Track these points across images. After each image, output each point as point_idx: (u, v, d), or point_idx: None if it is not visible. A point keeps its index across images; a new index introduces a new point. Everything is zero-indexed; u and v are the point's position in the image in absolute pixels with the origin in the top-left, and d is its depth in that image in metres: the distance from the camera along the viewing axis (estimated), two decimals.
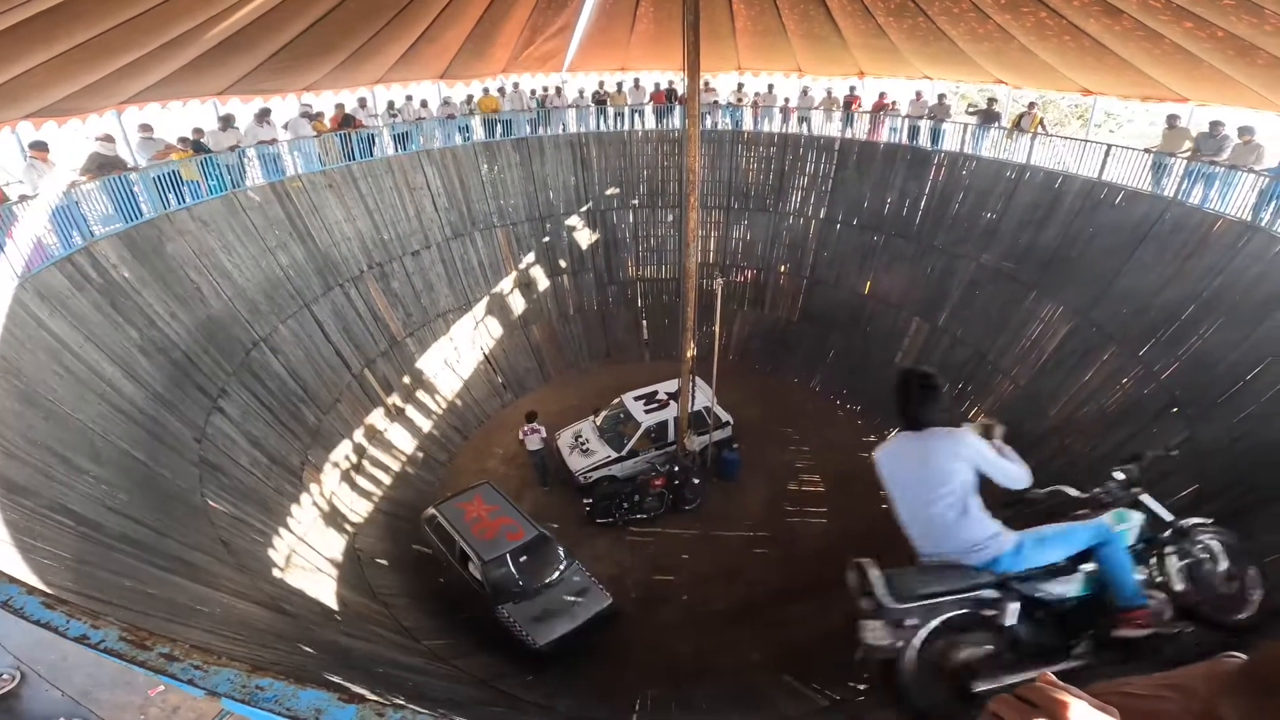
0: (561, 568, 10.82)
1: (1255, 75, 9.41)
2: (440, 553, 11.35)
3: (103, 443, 7.25)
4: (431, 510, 11.74)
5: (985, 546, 3.34)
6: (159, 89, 10.59)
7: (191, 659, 1.39)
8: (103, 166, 10.38)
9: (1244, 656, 0.99)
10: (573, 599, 10.44)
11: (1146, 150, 12.75)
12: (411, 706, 1.15)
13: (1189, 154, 11.91)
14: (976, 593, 3.40)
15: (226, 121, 13.05)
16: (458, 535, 10.91)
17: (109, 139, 10.91)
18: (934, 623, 3.37)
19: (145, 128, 12.06)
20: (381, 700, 1.20)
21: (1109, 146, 13.10)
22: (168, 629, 4.59)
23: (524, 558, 10.69)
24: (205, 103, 12.37)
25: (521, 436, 13.62)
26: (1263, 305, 9.65)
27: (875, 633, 3.40)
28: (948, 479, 3.29)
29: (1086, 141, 13.55)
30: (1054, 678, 0.96)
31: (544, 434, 13.58)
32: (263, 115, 13.56)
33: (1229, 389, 9.56)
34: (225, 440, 9.72)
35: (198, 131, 12.62)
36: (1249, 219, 10.53)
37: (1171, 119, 12.54)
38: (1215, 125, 11.90)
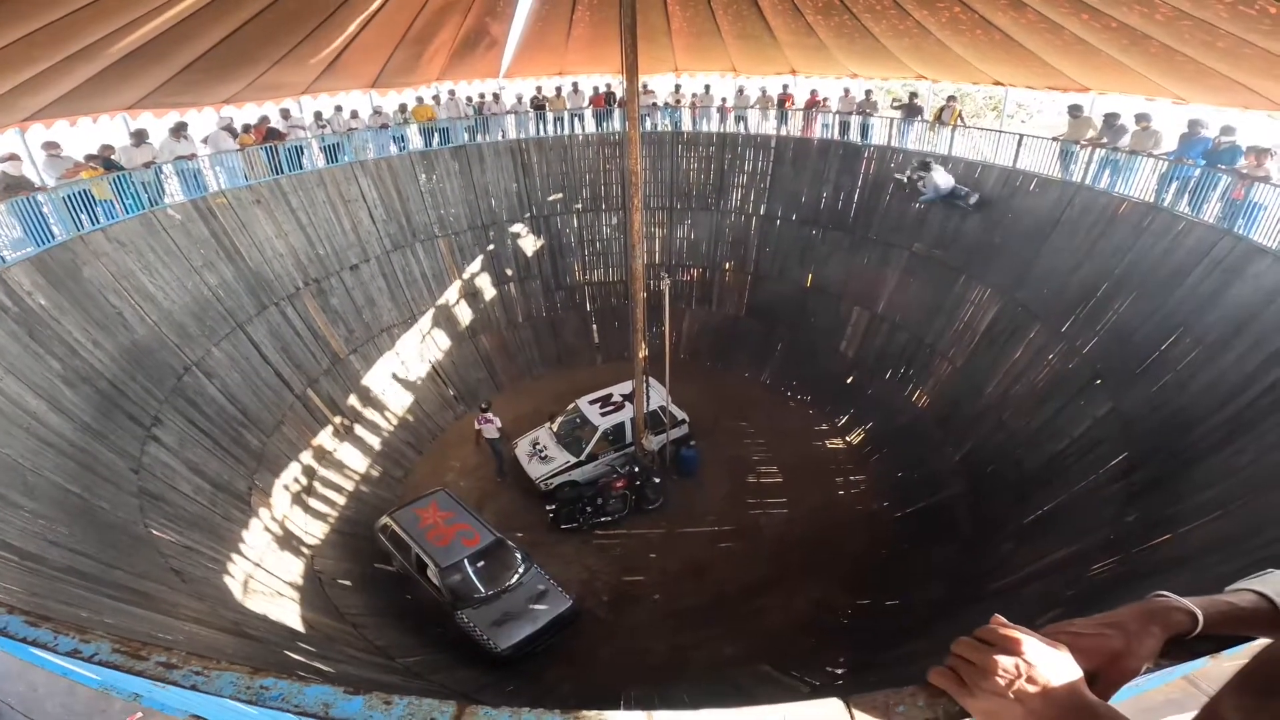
0: (520, 571, 10.75)
1: (1148, 63, 10.20)
2: (397, 561, 11.13)
3: (34, 477, 6.76)
4: (385, 519, 11.52)
5: None
6: (65, 104, 9.95)
7: (191, 665, 1.35)
8: (9, 188, 9.69)
9: (1169, 595, 1.11)
10: (532, 602, 10.37)
11: (1055, 139, 13.63)
12: (414, 696, 1.16)
13: (1092, 141, 12.77)
14: None
15: (139, 137, 12.34)
16: (413, 542, 10.78)
17: (14, 158, 10.16)
18: None
19: (51, 145, 11.27)
20: (386, 694, 1.21)
21: (1021, 136, 13.95)
22: None
23: (481, 562, 10.63)
24: (115, 118, 11.70)
25: (478, 426, 13.85)
26: (1170, 280, 10.46)
27: None
28: None
29: (1001, 132, 14.39)
30: (1004, 619, 1.06)
31: (498, 423, 13.79)
32: (179, 129, 12.89)
33: (1146, 360, 10.29)
34: (164, 469, 9.19)
35: (107, 148, 11.87)
36: (1151, 200, 11.41)
37: (1074, 109, 13.43)
38: (1110, 116, 12.81)
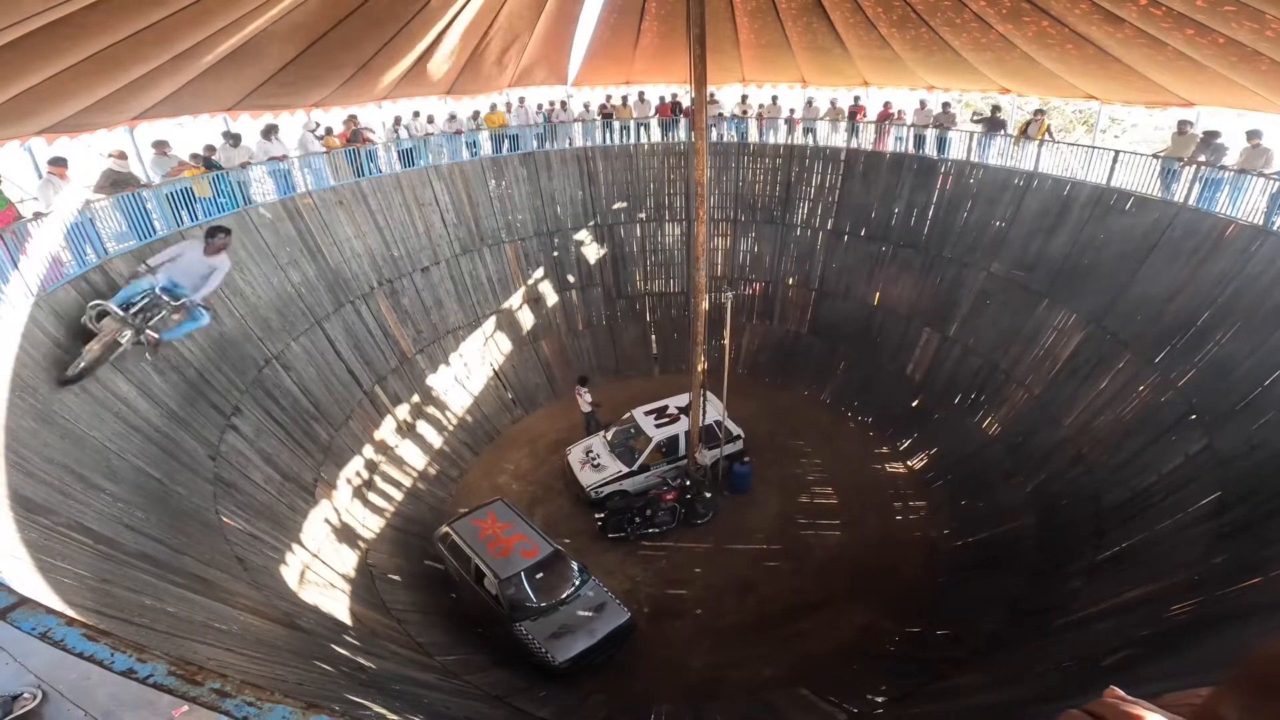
0: (577, 584, 10.73)
1: (1259, 79, 9.44)
2: (455, 570, 11.26)
3: (119, 461, 7.23)
4: (445, 528, 11.64)
5: None
6: (169, 104, 10.68)
7: (244, 694, 1.35)
8: (116, 184, 10.45)
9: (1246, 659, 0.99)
10: (590, 615, 10.34)
11: (1155, 155, 12.74)
12: None
13: (1191, 159, 11.86)
14: None
15: (236, 138, 13.16)
16: (473, 553, 10.81)
17: (122, 156, 10.99)
18: None
19: (161, 144, 12.13)
20: None
21: (1117, 153, 13.07)
22: (188, 648, 4.55)
23: (539, 575, 10.61)
24: (215, 118, 12.50)
25: (577, 396, 15.18)
26: (1278, 311, 9.58)
27: None
28: None
29: (1094, 148, 13.55)
30: (1121, 692, 0.95)
31: (589, 398, 15.05)
32: (270, 131, 13.66)
33: (1246, 396, 9.49)
34: (239, 457, 9.70)
35: (209, 148, 12.72)
36: (1260, 223, 10.49)
37: (1182, 124, 12.52)
38: (1210, 134, 11.89)
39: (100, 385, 7.85)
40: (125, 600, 4.91)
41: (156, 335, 7.99)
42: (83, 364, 7.30)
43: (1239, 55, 8.77)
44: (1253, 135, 11.20)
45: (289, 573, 8.56)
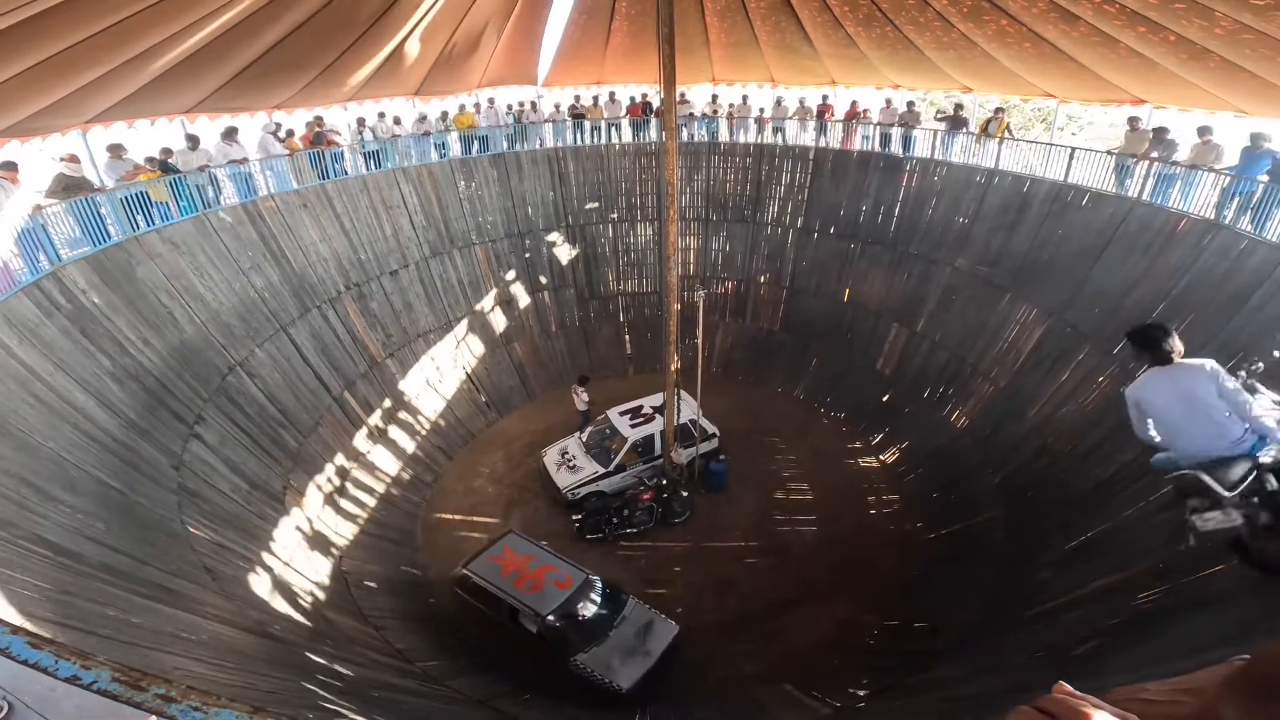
0: (619, 606, 10.47)
1: (1208, 77, 9.78)
2: (481, 611, 10.53)
3: (77, 472, 6.98)
4: (462, 570, 10.82)
5: (1244, 439, 4.46)
6: (124, 107, 10.38)
7: (190, 700, 1.31)
8: (68, 188, 10.09)
9: (1245, 659, 1.01)
10: (642, 635, 10.13)
11: (1109, 152, 13.11)
12: None
13: (1145, 156, 12.23)
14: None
15: (195, 141, 12.81)
16: (501, 592, 10.16)
17: (74, 159, 10.62)
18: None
19: (115, 148, 11.73)
20: None
21: (1073, 149, 13.43)
22: (155, 659, 4.40)
23: (580, 604, 10.21)
24: (173, 121, 12.16)
25: (574, 394, 15.35)
26: (1231, 302, 9.91)
27: (1216, 519, 4.67)
28: (1204, 394, 4.50)
29: (1052, 145, 13.89)
30: (1070, 688, 0.96)
31: (585, 398, 15.17)
32: (230, 134, 13.34)
33: None
34: (204, 467, 9.44)
35: (165, 151, 12.35)
36: (1212, 217, 10.85)
37: (1133, 121, 12.90)
38: (1160, 130, 12.27)
39: (56, 395, 7.58)
40: (88, 612, 4.75)
41: None
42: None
43: (1189, 53, 9.08)
44: (1203, 132, 11.56)
45: (260, 581, 8.35)
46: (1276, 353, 8.13)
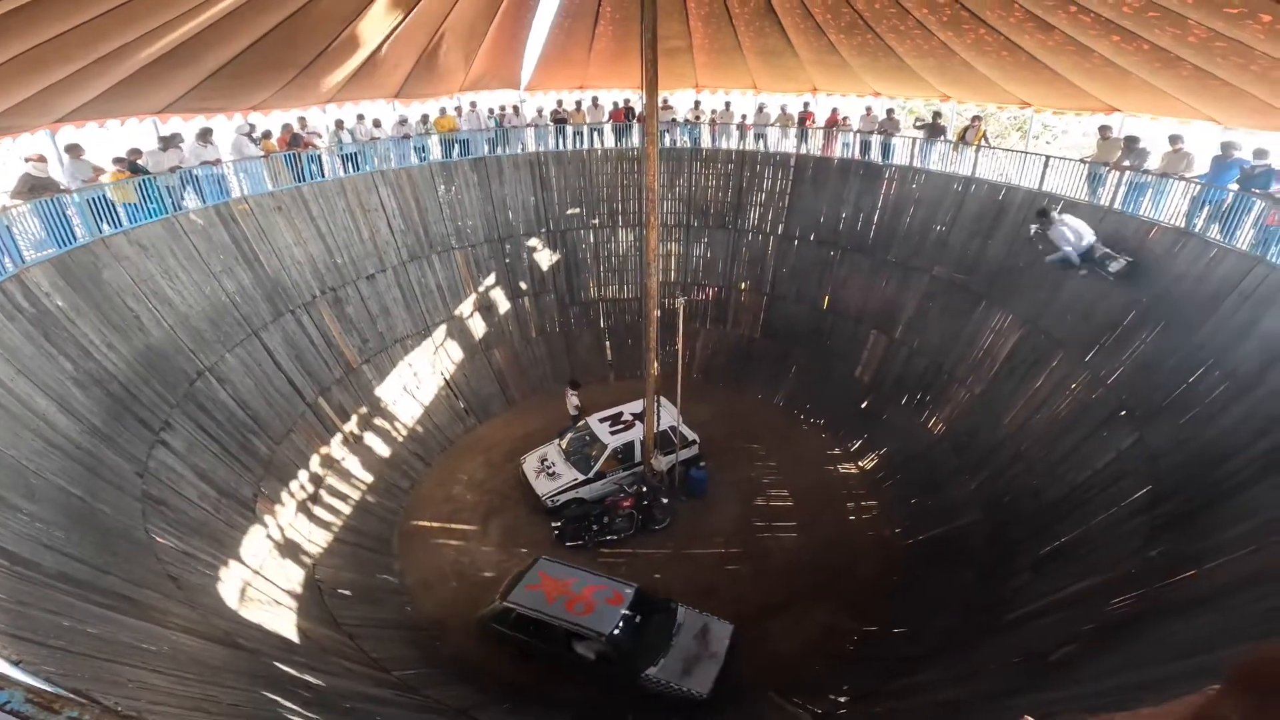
0: (673, 614, 10.37)
1: (1180, 85, 9.95)
2: (527, 643, 10.14)
3: (37, 480, 6.76)
4: (503, 605, 10.25)
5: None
6: (95, 106, 10.15)
7: None
8: (34, 189, 9.82)
9: (1242, 660, 1.00)
10: (702, 638, 10.06)
11: (1082, 160, 13.31)
12: None
13: (1117, 164, 12.42)
14: None
15: (168, 141, 12.55)
16: (554, 619, 9.84)
17: (41, 159, 10.34)
18: None
19: (73, 148, 11.21)
20: None
21: (1048, 158, 13.63)
22: (108, 669, 4.24)
23: (637, 618, 10.04)
24: (144, 122, 11.90)
25: (577, 403, 15.27)
26: (1200, 310, 10.07)
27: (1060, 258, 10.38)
28: (1080, 224, 9.92)
29: (1027, 153, 14.10)
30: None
31: (575, 402, 15.17)
32: (205, 135, 13.08)
33: (1172, 392, 9.90)
34: (170, 474, 9.19)
35: (135, 152, 12.06)
36: (1182, 225, 11.04)
37: (1104, 130, 13.12)
38: (1131, 139, 12.47)
39: (16, 400, 7.33)
40: (42, 622, 4.58)
41: None
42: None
43: (1162, 61, 9.23)
44: (1174, 140, 11.75)
45: (228, 590, 8.14)
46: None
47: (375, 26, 11.54)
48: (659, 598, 10.70)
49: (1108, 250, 11.50)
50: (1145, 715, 1.01)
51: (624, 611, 9.92)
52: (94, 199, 10.54)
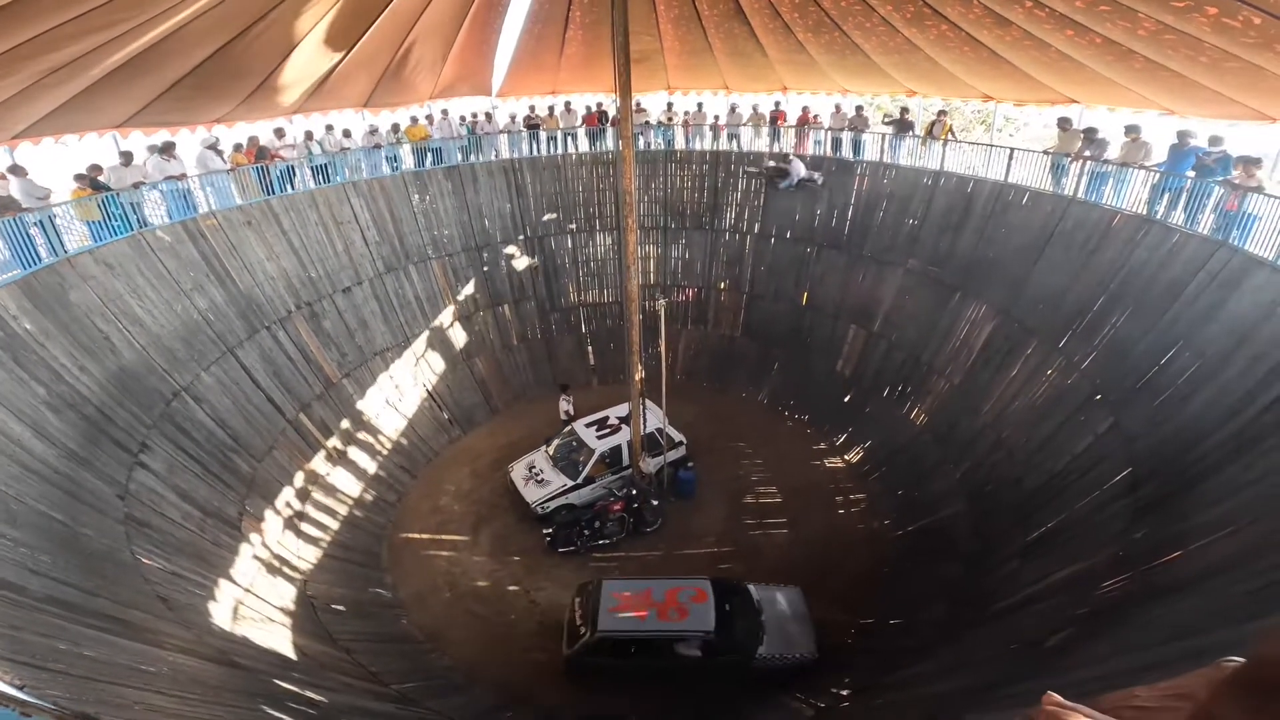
0: (748, 593, 10.65)
1: (1134, 77, 10.28)
2: (627, 661, 9.85)
3: (17, 505, 6.56)
4: (597, 636, 9.71)
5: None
6: (52, 121, 9.81)
7: None
8: None
9: (1241, 660, 1.03)
10: (784, 606, 10.54)
11: (1045, 152, 13.68)
12: None
13: (1078, 155, 12.78)
14: None
15: (128, 157, 12.21)
16: (656, 632, 9.76)
17: (2, 177, 10.00)
18: None
19: (16, 169, 10.56)
20: None
21: (1012, 150, 13.98)
22: (112, 692, 4.12)
23: (728, 607, 10.18)
24: (104, 136, 11.56)
25: (567, 408, 15.44)
26: (1166, 293, 10.39)
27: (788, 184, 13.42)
28: (801, 165, 13.06)
29: (992, 146, 14.44)
30: (1060, 698, 0.99)
31: (566, 406, 15.40)
32: (167, 149, 12.75)
33: (1145, 375, 10.17)
34: (151, 495, 8.96)
35: (95, 168, 11.72)
36: (1144, 213, 11.40)
37: (1063, 121, 13.49)
38: (1090, 130, 12.85)
39: None
40: (37, 646, 4.45)
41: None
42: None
43: (1115, 54, 9.54)
44: (1130, 130, 12.13)
45: (220, 609, 7.96)
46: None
47: (340, 35, 11.39)
48: (728, 582, 10.88)
49: (810, 175, 16.89)
50: (1161, 688, 1.03)
51: (713, 605, 10.06)
52: (46, 219, 10.16)
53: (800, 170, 16.86)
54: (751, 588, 10.76)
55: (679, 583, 10.53)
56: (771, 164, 17.30)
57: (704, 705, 9.71)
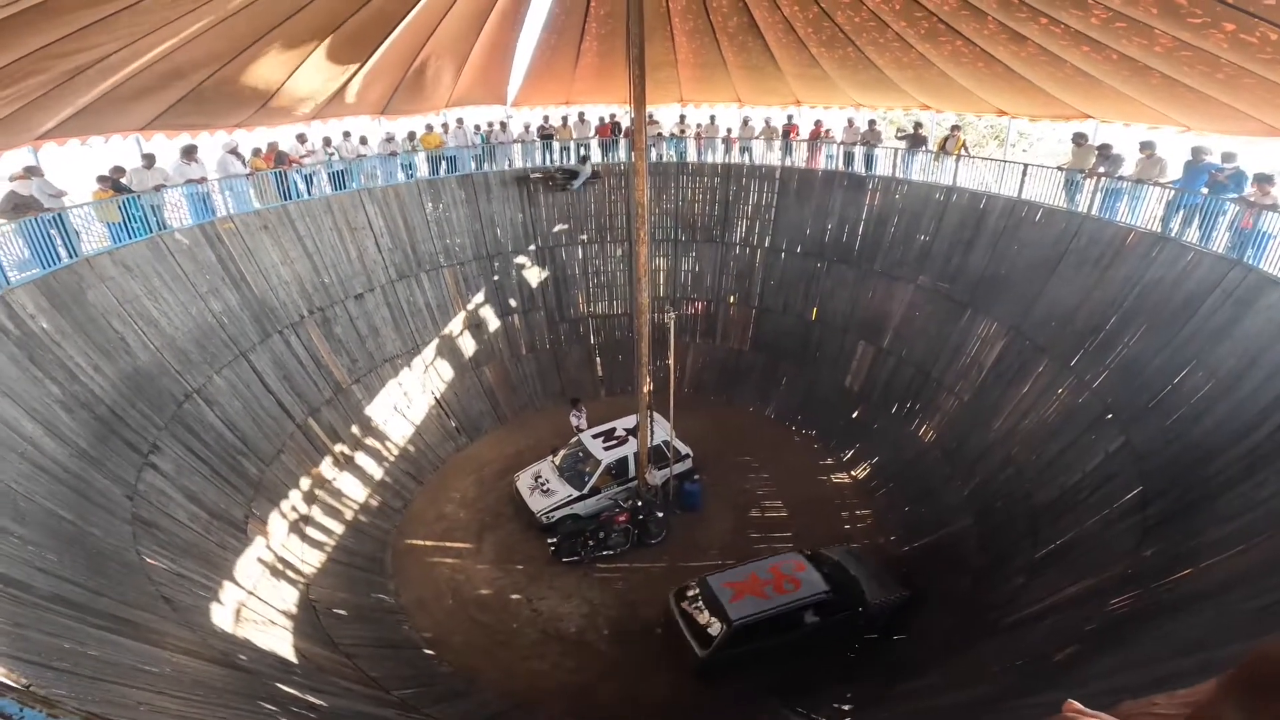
0: (832, 555, 11.57)
1: (1150, 93, 10.23)
2: (763, 643, 10.14)
3: (26, 503, 6.62)
4: (735, 626, 9.85)
5: None
6: (76, 122, 9.98)
7: None
8: (18, 207, 9.68)
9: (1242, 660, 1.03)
10: (862, 558, 11.68)
11: (1059, 168, 13.63)
12: None
13: (1091, 171, 12.71)
14: None
15: (151, 159, 12.42)
16: (783, 606, 10.16)
17: (25, 177, 10.18)
18: None
19: (31, 169, 10.62)
20: None
21: (1026, 166, 13.94)
22: (118, 692, 4.14)
23: (825, 569, 10.97)
24: (128, 138, 11.75)
25: (574, 421, 15.35)
26: (1180, 312, 10.31)
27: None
28: None
29: (1005, 162, 14.40)
30: (1080, 705, 0.98)
31: (573, 421, 15.31)
32: (189, 152, 12.94)
33: (1157, 394, 10.07)
34: (160, 496, 9.02)
35: (118, 170, 11.92)
36: (1159, 230, 11.32)
37: (1078, 137, 13.43)
38: (1104, 147, 12.79)
39: (2, 424, 7.19)
40: (42, 644, 4.48)
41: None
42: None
43: (1131, 70, 9.51)
44: (1145, 147, 12.06)
45: (223, 611, 7.98)
46: None
47: (360, 44, 11.58)
48: (811, 550, 11.63)
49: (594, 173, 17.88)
50: (1180, 697, 1.03)
51: (813, 569, 10.80)
52: (57, 219, 10.28)
53: (587, 171, 17.74)
54: (831, 550, 11.61)
55: (773, 560, 11.11)
56: (566, 167, 17.98)
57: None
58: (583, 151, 18.34)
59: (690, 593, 10.79)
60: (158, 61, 8.93)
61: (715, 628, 9.97)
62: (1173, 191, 11.19)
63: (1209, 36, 7.62)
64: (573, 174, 17.66)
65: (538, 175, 17.73)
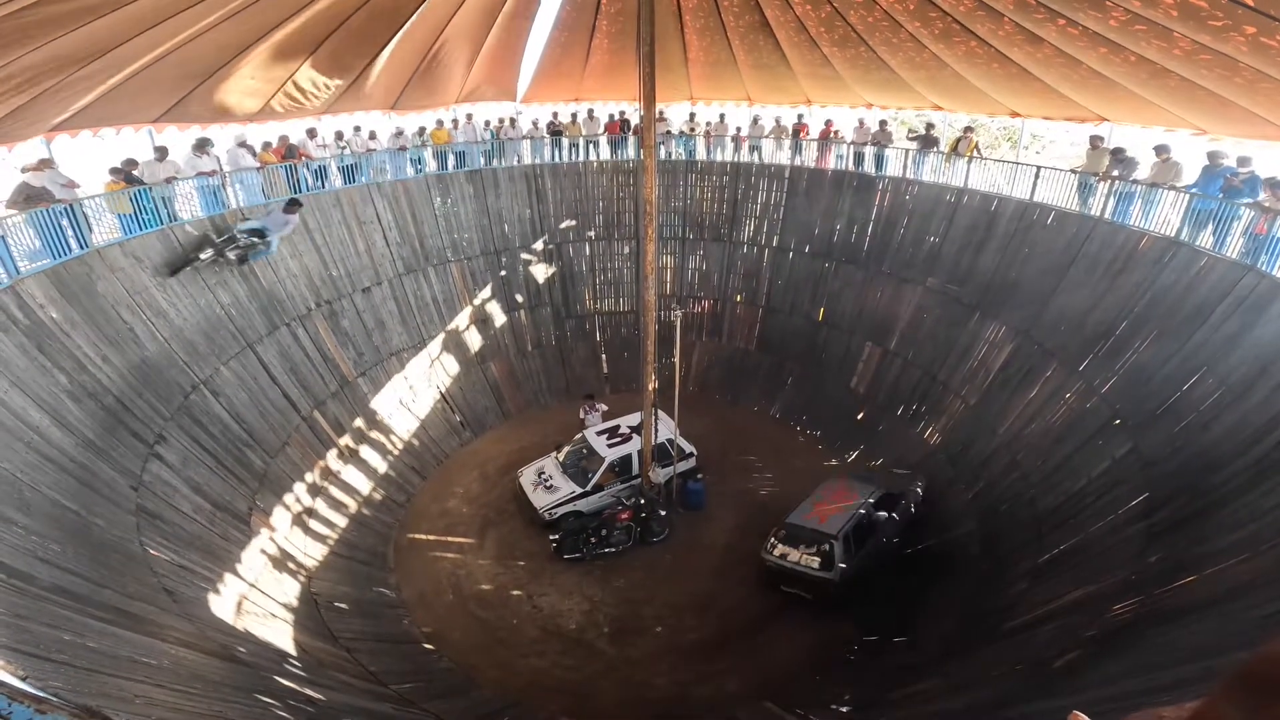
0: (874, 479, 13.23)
1: (1167, 96, 10.10)
2: (864, 550, 11.51)
3: (31, 493, 6.68)
4: (835, 535, 11.27)
5: None
6: (89, 114, 10.04)
7: None
8: (30, 198, 9.74)
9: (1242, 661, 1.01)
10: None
11: (1073, 170, 13.49)
12: None
13: (1105, 174, 12.57)
14: None
15: (163, 152, 12.49)
16: (858, 508, 11.81)
17: (38, 168, 10.25)
18: None
19: (44, 162, 10.65)
20: None
21: (1039, 168, 13.79)
22: (114, 685, 4.17)
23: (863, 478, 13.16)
24: (140, 131, 11.82)
25: (582, 415, 15.18)
26: (1191, 318, 10.20)
27: None
28: None
29: (1018, 164, 14.26)
30: (1086, 717, 0.98)
31: (595, 414, 15.19)
32: (202, 145, 12.99)
33: (1166, 401, 9.98)
34: (164, 487, 9.08)
35: (130, 162, 11.99)
36: (1172, 235, 11.19)
37: (1094, 140, 13.27)
38: (1118, 150, 12.65)
39: (10, 413, 7.25)
40: (42, 636, 4.51)
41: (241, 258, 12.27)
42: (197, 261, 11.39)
43: (1149, 72, 9.38)
44: (1160, 150, 11.89)
45: (224, 604, 8.03)
46: None
47: (373, 37, 11.58)
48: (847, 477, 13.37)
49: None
50: (1188, 708, 1.01)
51: (855, 480, 13.06)
52: (90, 208, 10.41)
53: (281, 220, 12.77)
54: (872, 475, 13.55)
55: (819, 489, 12.69)
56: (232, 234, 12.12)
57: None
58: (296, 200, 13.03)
59: (776, 539, 11.71)
60: (170, 54, 8.96)
61: (825, 547, 11.15)
62: (1188, 196, 11.04)
63: (1229, 39, 7.50)
64: (259, 233, 12.34)
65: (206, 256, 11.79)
